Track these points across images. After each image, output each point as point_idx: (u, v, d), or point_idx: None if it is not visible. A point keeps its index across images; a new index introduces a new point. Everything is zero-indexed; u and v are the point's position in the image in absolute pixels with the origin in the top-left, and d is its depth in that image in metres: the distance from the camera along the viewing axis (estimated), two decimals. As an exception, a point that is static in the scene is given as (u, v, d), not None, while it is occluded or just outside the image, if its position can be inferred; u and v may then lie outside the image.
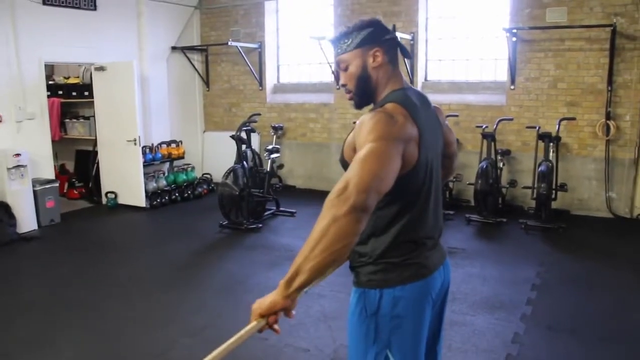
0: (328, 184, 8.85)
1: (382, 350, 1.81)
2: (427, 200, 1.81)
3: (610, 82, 6.79)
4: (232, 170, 6.60)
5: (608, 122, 6.88)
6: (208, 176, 9.02)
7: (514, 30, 7.11)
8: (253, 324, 1.62)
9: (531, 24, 7.12)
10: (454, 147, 2.18)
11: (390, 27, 7.46)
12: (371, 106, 1.88)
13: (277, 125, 8.85)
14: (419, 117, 1.72)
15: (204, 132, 9.82)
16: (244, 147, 6.97)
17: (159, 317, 4.17)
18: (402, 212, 1.76)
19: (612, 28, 6.55)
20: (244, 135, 7.20)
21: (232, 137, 6.72)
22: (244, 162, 6.71)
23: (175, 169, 8.63)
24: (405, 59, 1.95)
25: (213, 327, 3.98)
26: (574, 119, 6.84)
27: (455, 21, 8.03)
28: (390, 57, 1.83)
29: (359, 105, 1.92)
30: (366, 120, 1.66)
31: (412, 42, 7.93)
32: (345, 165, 1.79)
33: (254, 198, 6.74)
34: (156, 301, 4.47)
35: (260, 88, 9.21)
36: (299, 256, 1.52)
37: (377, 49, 1.80)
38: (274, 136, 8.84)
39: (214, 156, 9.52)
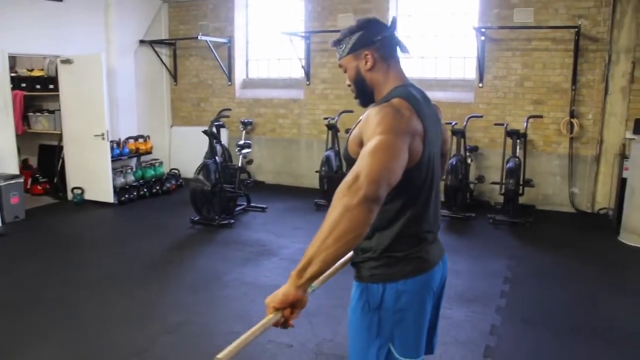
0: (297, 179, 8.87)
1: (384, 343, 1.84)
2: (429, 195, 1.84)
3: (574, 81, 6.99)
4: (204, 166, 6.54)
5: (572, 120, 7.09)
6: (176, 171, 8.93)
7: (483, 30, 7.25)
8: (269, 316, 1.59)
9: (499, 23, 7.27)
10: (448, 145, 2.23)
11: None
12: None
13: (246, 121, 8.80)
14: (423, 112, 1.75)
15: (172, 127, 9.68)
16: (215, 142, 6.92)
17: (137, 314, 4.10)
18: (405, 206, 1.79)
19: (576, 30, 6.75)
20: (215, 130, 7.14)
21: (205, 132, 6.66)
22: (216, 158, 6.64)
23: (143, 164, 8.49)
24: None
25: (191, 323, 3.94)
26: (541, 116, 7.03)
27: (424, 19, 8.13)
28: (384, 56, 1.86)
29: (363, 104, 1.96)
30: (373, 114, 1.68)
31: (382, 39, 7.98)
32: (349, 160, 1.81)
33: (226, 194, 6.70)
34: (132, 299, 4.40)
35: (229, 83, 9.14)
36: (310, 247, 1.52)
37: (367, 52, 1.84)
38: (243, 131, 8.78)
39: (181, 151, 9.41)
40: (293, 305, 1.58)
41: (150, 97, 9.23)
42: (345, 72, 1.93)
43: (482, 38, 7.32)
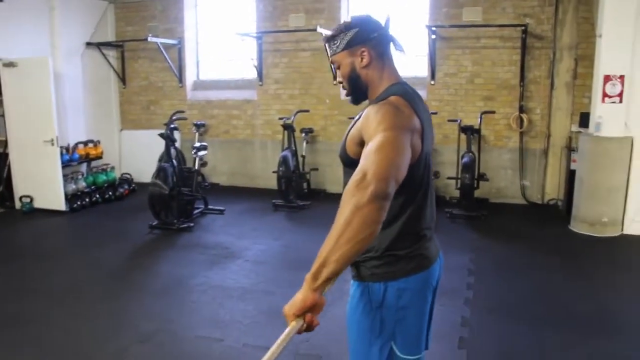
0: (252, 180, 8.82)
1: (386, 342, 1.86)
2: (426, 192, 1.86)
3: (522, 77, 7.25)
4: (161, 169, 6.40)
5: (521, 115, 7.35)
6: (128, 176, 8.70)
7: (434, 28, 7.40)
8: (292, 324, 1.56)
9: (449, 22, 7.45)
10: (433, 144, 2.26)
11: (317, 24, 7.62)
12: (367, 102, 1.92)
13: (199, 123, 8.68)
14: (420, 110, 1.77)
15: (121, 130, 9.44)
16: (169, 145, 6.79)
17: (106, 325, 3.96)
18: (406, 204, 1.80)
19: (523, 28, 6.99)
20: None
21: (161, 135, 6.51)
22: (173, 161, 6.52)
23: (94, 169, 8.24)
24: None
25: (164, 331, 3.85)
26: (493, 112, 7.24)
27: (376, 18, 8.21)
28: (380, 53, 1.86)
29: (355, 101, 1.95)
30: (372, 112, 1.68)
31: (334, 38, 8.03)
32: (347, 160, 1.81)
33: (184, 197, 6.59)
34: (98, 310, 4.25)
35: (181, 85, 8.99)
36: (323, 248, 1.51)
37: (364, 49, 1.83)
38: (197, 134, 8.66)
39: (132, 155, 9.21)
40: (312, 309, 1.55)
41: (99, 101, 8.97)
42: (338, 68, 1.91)
43: (433, 36, 7.48)
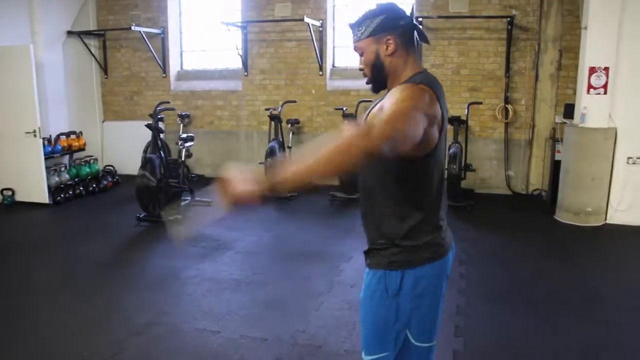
0: (238, 172, 8.76)
1: (402, 330, 1.87)
2: (441, 182, 1.88)
3: (507, 69, 7.32)
4: (149, 161, 6.33)
5: (506, 106, 7.43)
6: (111, 168, 8.59)
7: (420, 19, 7.42)
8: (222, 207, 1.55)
9: (436, 13, 7.47)
10: None
11: (304, 14, 7.59)
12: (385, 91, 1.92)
13: (183, 114, 8.60)
14: (442, 101, 1.78)
15: (103, 121, 9.30)
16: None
17: (99, 319, 3.92)
18: (424, 195, 1.82)
19: (509, 19, 7.06)
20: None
21: (148, 126, 6.44)
22: (161, 152, 6.45)
23: (77, 161, 8.11)
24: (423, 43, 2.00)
25: (160, 323, 3.82)
26: (480, 103, 7.30)
27: (361, 9, 8.21)
28: (405, 42, 1.85)
29: (375, 89, 1.95)
30: (397, 91, 1.69)
31: (321, 29, 8.02)
32: None
33: (171, 189, 6.53)
34: (90, 303, 4.20)
35: (164, 75, 8.89)
36: (296, 161, 1.52)
37: (390, 37, 1.83)
38: (181, 124, 8.59)
39: (115, 147, 9.09)
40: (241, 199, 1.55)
41: (81, 91, 8.81)
42: (361, 55, 1.90)
43: (420, 19, 7.49)
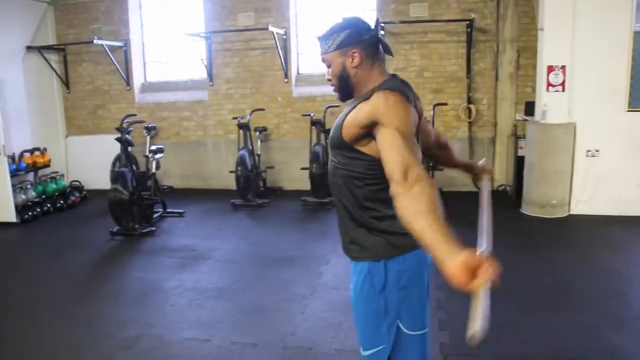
0: (207, 181, 8.78)
1: (393, 322, 1.97)
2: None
3: (468, 70, 7.55)
4: (120, 174, 6.29)
5: (469, 105, 7.66)
6: (77, 183, 8.45)
7: (383, 24, 7.59)
8: (478, 289, 1.45)
9: (397, 18, 7.65)
10: (438, 135, 2.40)
11: (267, 23, 7.66)
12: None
13: (149, 126, 8.52)
14: (412, 100, 1.92)
15: (67, 137, 9.15)
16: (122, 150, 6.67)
17: (85, 335, 3.87)
18: None
19: (468, 22, 7.29)
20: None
21: (119, 139, 6.39)
22: (132, 165, 6.42)
23: (42, 178, 7.96)
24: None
25: (148, 336, 3.81)
26: (445, 104, 7.49)
27: (324, 16, 8.35)
28: (370, 54, 1.96)
29: (342, 98, 2.07)
30: (382, 100, 1.81)
31: (285, 36, 8.11)
32: (340, 144, 1.94)
33: (144, 201, 6.50)
34: (73, 320, 4.14)
35: (128, 88, 8.81)
36: (429, 234, 1.56)
37: (355, 50, 1.93)
38: (147, 137, 8.51)
39: (80, 162, 8.95)
40: (474, 268, 1.47)
41: (43, 107, 8.65)
42: (328, 66, 2.01)
43: (382, 32, 7.67)
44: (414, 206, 1.62)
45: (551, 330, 3.70)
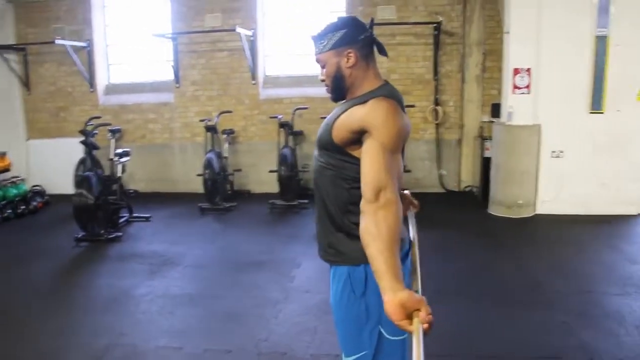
0: (173, 185, 8.65)
1: (374, 327, 1.95)
2: (399, 181, 1.98)
3: (435, 72, 7.64)
4: (85, 179, 6.13)
5: (436, 107, 7.74)
6: (39, 188, 8.21)
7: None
8: (415, 327, 1.42)
9: (365, 20, 7.62)
10: None
11: (234, 24, 7.59)
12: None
13: (114, 128, 8.34)
14: (405, 111, 1.91)
15: (28, 140, 8.89)
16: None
17: (53, 347, 3.74)
18: None
19: (435, 25, 7.37)
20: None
21: (84, 142, 6.23)
22: (97, 169, 6.27)
23: (2, 183, 7.70)
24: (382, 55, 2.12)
25: (119, 345, 3.72)
26: (413, 106, 7.54)
27: (292, 18, 8.33)
28: (365, 55, 1.94)
29: (335, 99, 2.03)
30: (375, 106, 1.79)
31: (252, 38, 8.05)
32: (330, 145, 1.91)
33: (110, 206, 6.36)
34: (40, 331, 4.01)
35: (92, 90, 8.62)
36: (380, 259, 1.57)
37: (350, 50, 1.90)
38: (112, 140, 8.32)
39: (42, 166, 8.70)
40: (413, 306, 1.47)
41: (2, 109, 8.41)
42: (322, 67, 1.97)
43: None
44: (374, 230, 1.62)
45: (523, 328, 3.76)
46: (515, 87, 6.37)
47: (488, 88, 7.67)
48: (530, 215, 6.58)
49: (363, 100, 1.86)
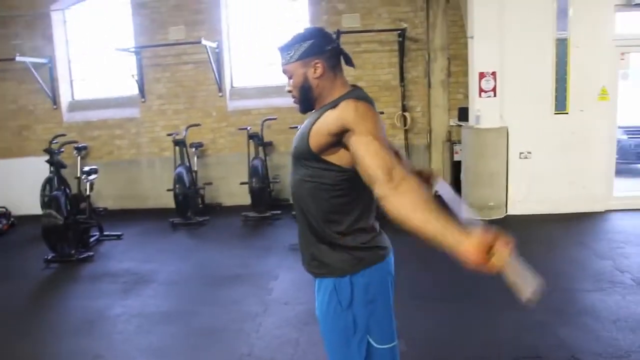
0: (142, 201, 8.51)
1: (362, 337, 1.95)
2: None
3: (402, 78, 7.72)
4: (54, 198, 5.99)
5: (404, 113, 7.81)
6: (4, 209, 7.98)
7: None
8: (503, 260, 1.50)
9: (329, 29, 7.64)
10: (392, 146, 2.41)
11: (198, 36, 7.53)
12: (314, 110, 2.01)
13: (80, 146, 8.17)
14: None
15: (-11, 160, 8.64)
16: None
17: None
18: (359, 200, 1.92)
19: (400, 32, 7.45)
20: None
21: (50, 162, 6.09)
22: (66, 188, 6.13)
23: (-35, 206, 7.49)
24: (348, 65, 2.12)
25: (99, 367, 3.65)
26: (382, 112, 7.57)
27: (257, 29, 8.32)
28: (332, 65, 1.94)
29: (303, 110, 2.03)
30: (352, 108, 1.79)
31: (217, 50, 8.01)
32: (307, 154, 1.89)
33: (80, 225, 6.22)
34: (14, 356, 3.90)
35: (55, 107, 8.43)
36: (429, 228, 1.58)
37: (317, 61, 1.90)
38: (78, 157, 8.16)
39: (5, 186, 8.42)
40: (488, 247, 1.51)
41: (-39, 130, 8.14)
42: (290, 77, 1.97)
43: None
44: (408, 202, 1.62)
45: (504, 329, 3.81)
46: (482, 90, 6.48)
47: (454, 92, 7.78)
48: (502, 216, 6.68)
49: (334, 104, 1.86)
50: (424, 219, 1.58)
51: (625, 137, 8.35)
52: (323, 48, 1.91)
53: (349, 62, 2.02)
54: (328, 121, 1.83)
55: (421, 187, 1.66)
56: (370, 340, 1.96)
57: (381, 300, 1.97)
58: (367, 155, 1.72)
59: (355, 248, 1.92)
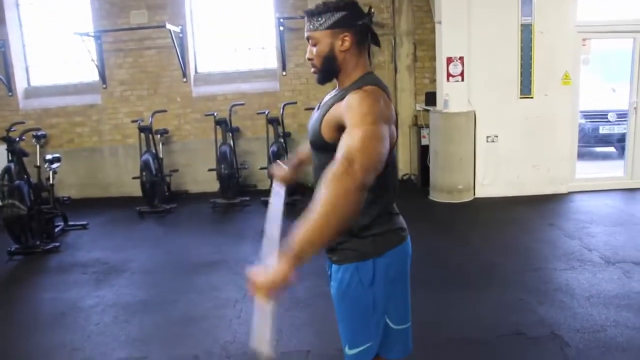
0: (106, 189, 8.32)
1: (381, 317, 1.94)
2: (395, 174, 2.00)
3: (369, 63, 7.68)
4: (16, 188, 5.77)
5: (372, 99, 7.82)
6: (-42, 201, 7.66)
7: (282, 20, 7.56)
8: (265, 302, 1.51)
9: (294, 13, 7.64)
10: None
11: (162, 20, 7.35)
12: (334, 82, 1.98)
13: (39, 134, 7.89)
14: (391, 101, 1.88)
15: (-60, 150, 8.26)
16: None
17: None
18: (382, 187, 1.88)
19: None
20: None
21: (11, 150, 5.86)
22: (29, 178, 5.91)
23: None
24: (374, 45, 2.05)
25: (77, 360, 3.55)
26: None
27: (220, 14, 8.18)
28: (359, 41, 1.90)
29: (322, 81, 1.97)
30: (356, 100, 1.72)
31: (181, 34, 7.84)
32: (322, 145, 1.87)
33: (44, 215, 6.02)
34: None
35: (10, 94, 8.10)
36: (307, 228, 1.51)
37: (347, 34, 1.85)
38: (37, 145, 7.88)
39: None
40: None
41: None
42: (314, 45, 1.90)
43: (281, 28, 7.64)
44: (331, 193, 1.53)
45: (485, 309, 3.88)
46: (450, 75, 6.55)
47: (420, 77, 7.85)
48: (470, 199, 6.81)
49: (342, 96, 1.82)
50: (321, 214, 1.52)
51: (584, 121, 8.59)
52: (354, 22, 1.86)
53: (376, 41, 1.98)
54: (335, 114, 1.80)
55: (354, 200, 1.55)
56: (388, 320, 1.96)
57: (400, 281, 1.97)
58: (347, 136, 1.65)
59: (378, 234, 1.90)
